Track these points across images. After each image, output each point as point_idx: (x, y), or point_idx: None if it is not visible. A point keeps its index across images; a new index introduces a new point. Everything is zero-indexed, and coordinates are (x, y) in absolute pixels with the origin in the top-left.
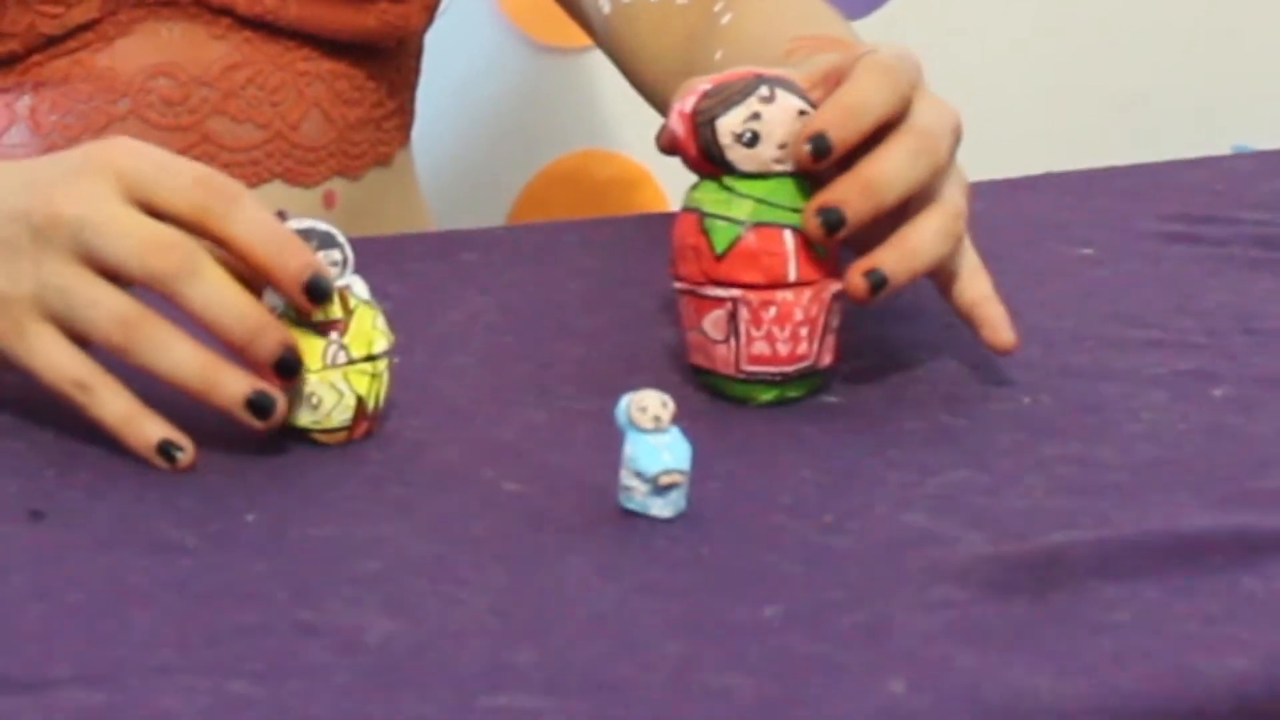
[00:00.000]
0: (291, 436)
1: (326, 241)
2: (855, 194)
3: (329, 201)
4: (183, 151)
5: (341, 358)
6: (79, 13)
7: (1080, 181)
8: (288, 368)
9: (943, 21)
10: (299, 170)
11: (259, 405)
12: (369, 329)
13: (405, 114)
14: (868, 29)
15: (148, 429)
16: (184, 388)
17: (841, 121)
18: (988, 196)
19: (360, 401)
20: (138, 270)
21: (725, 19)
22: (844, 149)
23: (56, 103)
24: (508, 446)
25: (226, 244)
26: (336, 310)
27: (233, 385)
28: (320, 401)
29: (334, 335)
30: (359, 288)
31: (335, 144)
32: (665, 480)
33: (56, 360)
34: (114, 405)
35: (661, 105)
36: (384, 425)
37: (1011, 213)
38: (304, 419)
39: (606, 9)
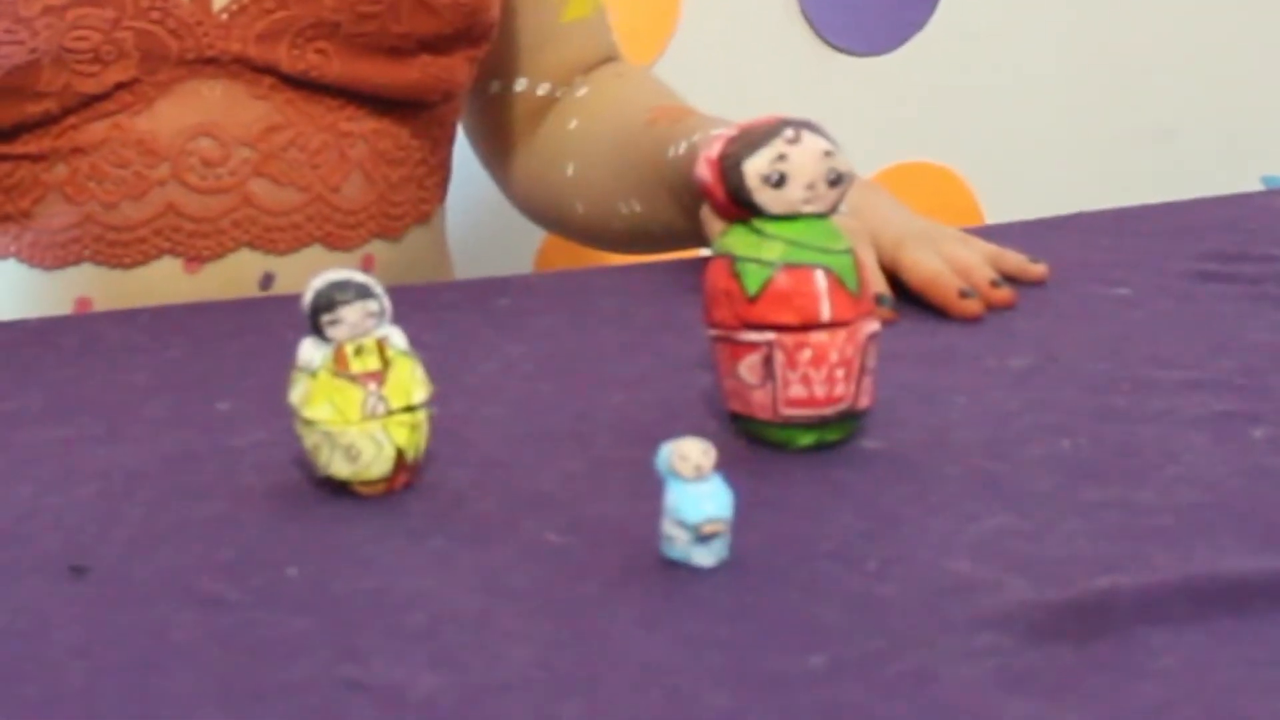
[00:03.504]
0: (331, 489)
1: (363, 293)
2: None
3: (367, 265)
4: (224, 215)
5: (380, 409)
6: (117, 71)
7: (1112, 221)
8: None
9: (967, 57)
10: (339, 234)
11: None
12: (408, 380)
13: (445, 169)
14: (893, 64)
15: None
16: None
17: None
18: (1020, 238)
19: (400, 453)
20: None
21: (581, 92)
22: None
23: (95, 169)
24: (548, 497)
25: None
26: (375, 361)
27: None
28: (360, 453)
29: (373, 386)
30: (397, 338)
31: (376, 205)
32: (708, 529)
33: None
34: None
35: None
36: (423, 476)
37: (1044, 254)
38: (344, 471)
39: (495, 89)
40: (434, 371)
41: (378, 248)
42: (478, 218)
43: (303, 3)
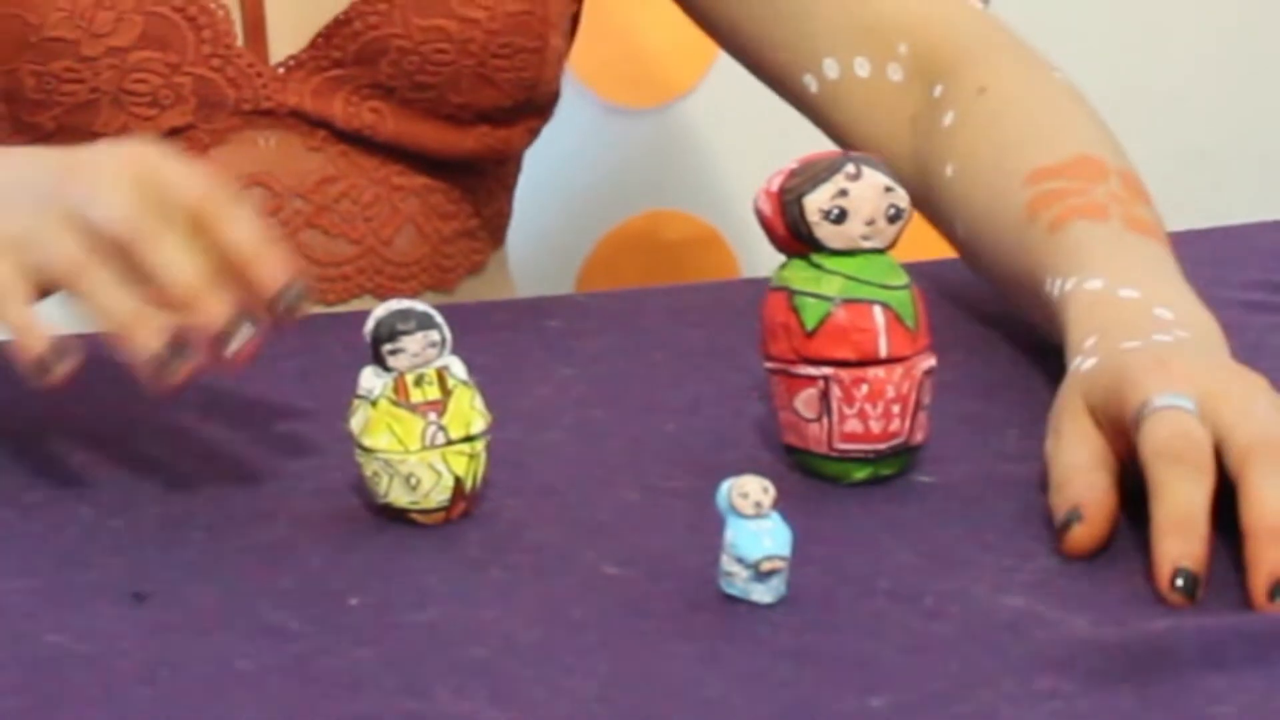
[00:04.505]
0: (390, 517)
1: (425, 323)
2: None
3: None
4: None
5: (440, 439)
6: (173, 116)
7: None
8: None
9: None
10: (390, 286)
11: (163, 363)
12: (467, 409)
13: (502, 216)
14: None
15: (39, 337)
16: (108, 326)
17: (1192, 550)
18: None
19: (458, 482)
20: (117, 228)
21: (946, 119)
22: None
23: None
24: (605, 527)
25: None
26: (435, 391)
27: (148, 337)
28: (419, 482)
29: (432, 416)
30: (457, 368)
31: (428, 258)
32: (767, 566)
33: None
34: (16, 313)
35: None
36: (481, 505)
37: None
38: (402, 499)
39: (814, 88)
40: (487, 394)
41: (429, 299)
42: (520, 237)
43: (359, 64)
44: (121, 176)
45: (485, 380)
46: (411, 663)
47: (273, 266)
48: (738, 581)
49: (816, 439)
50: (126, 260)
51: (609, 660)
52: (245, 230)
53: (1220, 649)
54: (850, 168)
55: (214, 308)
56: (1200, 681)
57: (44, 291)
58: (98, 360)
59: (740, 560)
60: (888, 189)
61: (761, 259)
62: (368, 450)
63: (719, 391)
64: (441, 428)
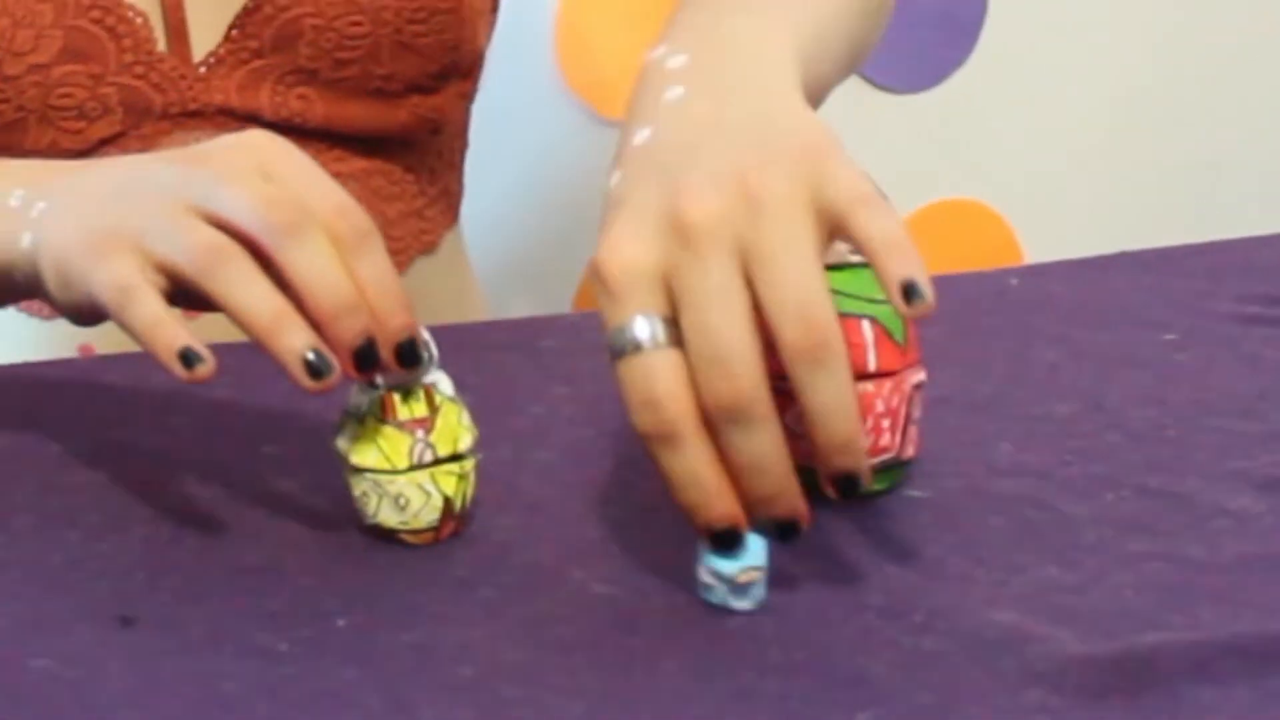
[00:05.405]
0: (379, 537)
1: None
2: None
3: None
4: None
5: (428, 457)
6: (101, 127)
7: (1155, 260)
8: (365, 357)
9: (1006, 94)
10: None
11: (315, 367)
12: (455, 426)
13: (451, 195)
14: (933, 101)
15: (172, 333)
16: (250, 326)
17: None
18: (1063, 278)
19: (448, 502)
20: (249, 220)
21: None
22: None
23: None
24: (594, 546)
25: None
26: (423, 408)
27: (296, 337)
28: (408, 502)
29: (420, 434)
30: (444, 385)
31: None
32: (744, 579)
33: (112, 268)
34: (146, 308)
35: None
36: (470, 525)
37: (1088, 295)
38: (391, 520)
39: None
40: (479, 414)
41: None
42: (516, 257)
43: (279, 52)
44: (249, 169)
45: (478, 399)
46: (399, 683)
47: (404, 315)
48: (717, 592)
49: (807, 454)
50: (257, 260)
51: (597, 679)
52: (380, 265)
53: (1209, 664)
54: None
55: (357, 325)
56: (1190, 696)
57: (175, 292)
58: (84, 382)
59: (717, 574)
60: None
61: None
62: (356, 469)
63: None
64: (429, 445)
